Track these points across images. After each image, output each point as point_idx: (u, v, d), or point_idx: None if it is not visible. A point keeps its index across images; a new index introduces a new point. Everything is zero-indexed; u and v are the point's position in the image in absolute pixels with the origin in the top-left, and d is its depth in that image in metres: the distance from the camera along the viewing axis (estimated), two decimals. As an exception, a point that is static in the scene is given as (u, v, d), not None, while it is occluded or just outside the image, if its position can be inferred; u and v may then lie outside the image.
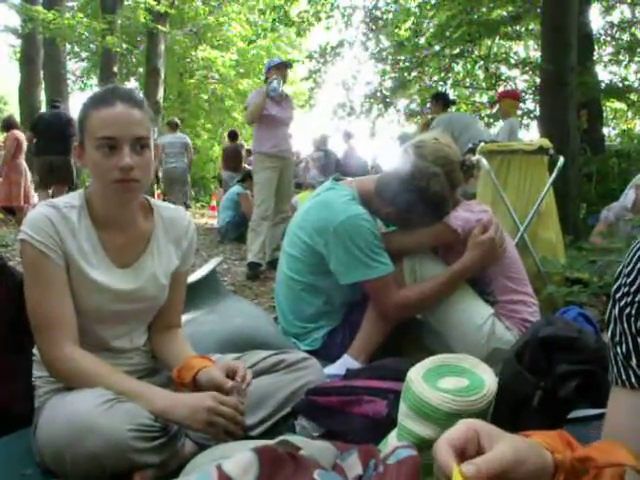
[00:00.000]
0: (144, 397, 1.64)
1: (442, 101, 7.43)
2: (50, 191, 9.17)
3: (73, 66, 23.05)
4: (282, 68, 6.24)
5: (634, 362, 0.98)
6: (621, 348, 1.00)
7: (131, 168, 1.69)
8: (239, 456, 0.97)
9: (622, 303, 1.00)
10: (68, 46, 19.14)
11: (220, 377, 1.72)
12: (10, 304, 2.09)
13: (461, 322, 2.49)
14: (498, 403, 1.59)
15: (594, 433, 1.06)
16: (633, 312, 0.98)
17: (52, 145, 8.87)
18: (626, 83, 11.58)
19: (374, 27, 10.49)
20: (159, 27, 16.04)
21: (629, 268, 1.00)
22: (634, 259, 1.00)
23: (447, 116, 6.70)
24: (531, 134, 12.07)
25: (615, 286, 1.03)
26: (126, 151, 1.69)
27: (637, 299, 0.97)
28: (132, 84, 24.10)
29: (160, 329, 2.00)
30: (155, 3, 15.71)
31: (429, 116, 7.23)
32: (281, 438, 1.19)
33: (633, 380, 0.98)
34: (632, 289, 0.98)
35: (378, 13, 10.65)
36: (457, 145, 6.09)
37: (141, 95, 1.84)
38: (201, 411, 1.59)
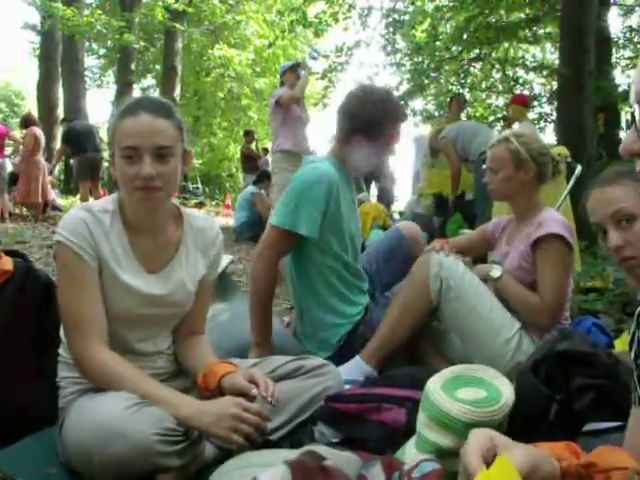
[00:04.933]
0: (169, 403, 1.67)
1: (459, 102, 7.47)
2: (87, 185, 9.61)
3: (90, 63, 23.21)
4: (295, 69, 6.30)
5: None
6: None
7: (152, 177, 1.73)
8: (273, 470, 1.00)
9: None
10: (86, 43, 19.25)
11: (244, 383, 1.75)
12: (35, 307, 2.15)
13: (488, 335, 2.45)
14: (514, 415, 1.62)
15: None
16: None
17: (87, 144, 9.45)
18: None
19: (391, 29, 10.46)
20: (176, 25, 16.11)
21: None
22: None
23: (457, 125, 6.70)
24: (547, 137, 12.02)
25: (638, 310, 1.05)
26: (147, 160, 1.73)
27: None
28: (149, 81, 24.26)
29: (184, 335, 2.04)
30: (173, 1, 15.80)
31: (438, 126, 7.23)
32: (307, 448, 1.22)
33: None
34: None
35: (395, 15, 10.65)
36: (468, 151, 6.12)
37: (170, 105, 1.88)
38: (225, 418, 1.62)
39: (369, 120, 2.65)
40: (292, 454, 1.24)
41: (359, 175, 3.03)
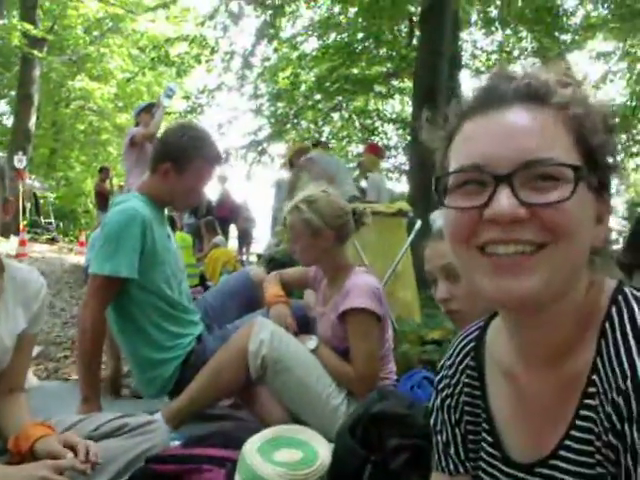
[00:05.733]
0: None
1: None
2: None
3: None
4: (149, 109, 6.22)
5: (452, 450, 1.05)
6: (442, 436, 1.07)
7: None
8: None
9: (443, 394, 1.06)
10: None
11: (58, 447, 1.66)
12: None
13: (318, 405, 2.41)
14: (331, 475, 1.63)
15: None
16: (452, 404, 1.05)
17: None
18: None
19: (250, 73, 10.58)
20: (35, 52, 15.46)
21: (450, 361, 1.07)
22: (454, 353, 1.07)
23: (328, 157, 6.61)
24: (403, 187, 12.53)
25: (438, 377, 1.09)
26: None
27: (456, 391, 1.04)
28: (2, 107, 23.13)
29: (2, 392, 1.91)
30: (32, 27, 15.16)
31: (300, 145, 7.22)
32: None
33: (452, 467, 1.05)
34: (452, 381, 1.05)
35: (256, 60, 10.83)
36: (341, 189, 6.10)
37: None
38: None
39: (180, 149, 2.65)
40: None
41: (171, 207, 3.00)
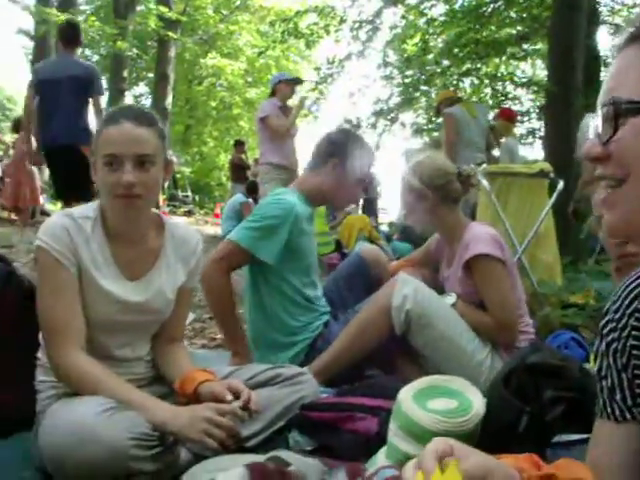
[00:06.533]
0: (145, 407, 1.68)
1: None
2: None
3: (83, 69, 23.18)
4: (292, 84, 6.23)
5: (618, 396, 1.02)
6: (607, 382, 1.04)
7: (132, 185, 1.75)
8: (231, 471, 1.02)
9: (609, 339, 1.04)
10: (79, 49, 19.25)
11: (222, 391, 1.75)
12: (17, 311, 2.15)
13: (462, 360, 2.43)
14: (484, 426, 1.64)
15: (576, 458, 1.10)
16: (619, 348, 1.02)
17: None
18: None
19: (374, 39, 10.46)
20: (170, 34, 16.14)
21: (617, 305, 1.04)
22: (622, 297, 1.04)
23: (469, 117, 6.12)
24: (535, 153, 12.10)
25: (603, 322, 1.07)
26: (128, 168, 1.75)
27: (623, 335, 1.02)
28: (141, 89, 24.27)
29: (163, 341, 2.05)
30: (167, 10, 15.84)
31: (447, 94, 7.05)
32: (272, 454, 1.24)
33: (617, 413, 1.02)
34: (619, 325, 1.03)
35: (386, 27, 10.73)
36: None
37: (152, 115, 1.90)
38: (199, 421, 1.62)
39: (345, 147, 2.75)
40: (261, 459, 1.25)
41: (329, 205, 3.06)
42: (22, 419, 1.93)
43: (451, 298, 2.55)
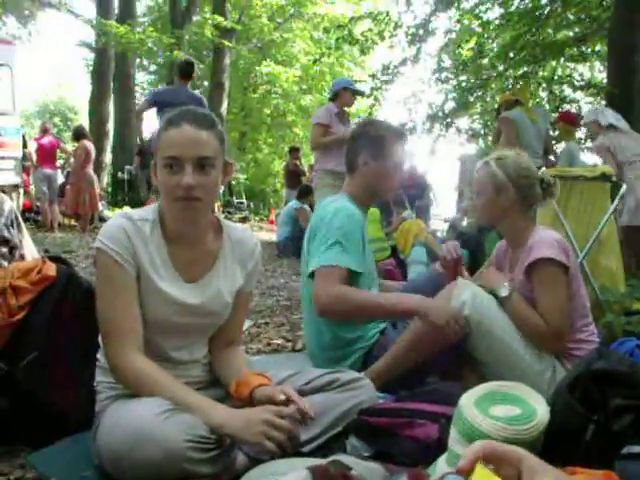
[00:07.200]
0: (202, 410, 1.69)
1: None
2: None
3: (141, 78, 23.73)
4: (356, 94, 6.19)
5: None
6: None
7: (192, 187, 1.76)
8: (294, 474, 1.01)
9: None
10: (137, 60, 19.72)
11: (277, 395, 1.75)
12: (76, 311, 2.20)
13: (521, 366, 2.38)
14: (548, 435, 1.59)
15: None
16: None
17: None
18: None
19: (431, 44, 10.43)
20: (225, 42, 16.39)
21: None
22: None
23: (528, 122, 6.26)
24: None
25: None
26: (188, 170, 1.76)
27: None
28: (197, 97, 24.65)
29: (221, 344, 2.06)
30: (222, 19, 16.09)
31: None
32: (333, 458, 1.22)
33: None
34: None
35: (440, 32, 10.62)
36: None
37: (212, 117, 1.90)
38: (257, 423, 1.62)
39: (370, 138, 2.78)
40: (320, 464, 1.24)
41: (378, 198, 3.01)
42: (82, 419, 1.97)
43: (505, 289, 2.47)
